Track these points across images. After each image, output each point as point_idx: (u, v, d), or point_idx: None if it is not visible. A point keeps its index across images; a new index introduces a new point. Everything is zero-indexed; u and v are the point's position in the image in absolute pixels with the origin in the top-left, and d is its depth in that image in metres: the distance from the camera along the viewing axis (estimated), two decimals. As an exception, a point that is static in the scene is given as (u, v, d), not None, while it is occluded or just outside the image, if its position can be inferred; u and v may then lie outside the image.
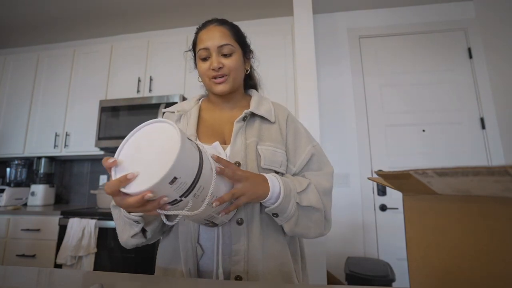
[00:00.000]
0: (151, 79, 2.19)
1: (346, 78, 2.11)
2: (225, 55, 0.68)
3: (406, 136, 1.96)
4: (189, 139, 0.44)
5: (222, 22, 0.71)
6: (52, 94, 2.37)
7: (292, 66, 1.97)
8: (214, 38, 0.67)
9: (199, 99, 0.79)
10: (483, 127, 1.88)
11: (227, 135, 0.69)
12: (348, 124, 2.04)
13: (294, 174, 0.69)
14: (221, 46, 0.67)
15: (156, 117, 1.99)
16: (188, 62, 0.80)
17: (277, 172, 0.65)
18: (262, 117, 0.70)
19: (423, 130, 1.94)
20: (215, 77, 0.68)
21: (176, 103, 2.00)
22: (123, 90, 2.23)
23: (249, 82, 0.81)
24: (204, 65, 0.68)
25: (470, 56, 1.98)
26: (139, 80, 2.20)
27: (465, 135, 1.89)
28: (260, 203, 0.61)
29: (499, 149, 1.82)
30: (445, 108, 1.94)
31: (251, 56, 0.78)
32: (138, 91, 2.19)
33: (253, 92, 0.79)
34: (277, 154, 0.66)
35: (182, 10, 2.26)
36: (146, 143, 0.43)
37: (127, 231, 0.58)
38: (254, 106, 0.71)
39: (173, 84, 2.15)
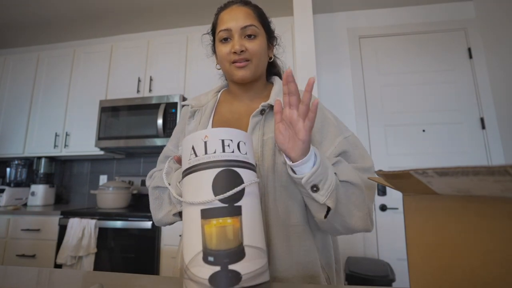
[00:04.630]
0: (151, 79, 2.19)
1: (346, 78, 2.11)
2: (249, 37, 0.62)
3: (406, 136, 1.96)
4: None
5: (246, 3, 0.66)
6: (52, 94, 2.37)
7: (292, 66, 1.97)
8: (237, 18, 0.61)
9: (219, 91, 0.74)
10: (483, 127, 1.88)
11: (244, 130, 0.65)
12: (348, 124, 2.02)
13: None
14: (245, 27, 0.61)
15: (156, 117, 1.99)
16: (206, 48, 0.75)
17: None
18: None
19: (423, 130, 1.94)
20: (236, 61, 0.62)
21: (176, 103, 2.00)
22: (123, 90, 2.23)
23: (272, 70, 0.75)
24: (224, 48, 0.62)
25: (470, 56, 1.98)
26: (139, 80, 2.20)
27: (465, 135, 1.89)
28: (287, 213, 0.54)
29: (499, 149, 1.82)
30: (445, 108, 1.94)
31: (275, 43, 0.71)
32: (138, 91, 2.19)
33: (275, 80, 0.71)
34: None
35: (182, 10, 2.26)
36: None
37: (166, 209, 0.61)
38: (273, 97, 0.63)
39: (173, 84, 2.15)
